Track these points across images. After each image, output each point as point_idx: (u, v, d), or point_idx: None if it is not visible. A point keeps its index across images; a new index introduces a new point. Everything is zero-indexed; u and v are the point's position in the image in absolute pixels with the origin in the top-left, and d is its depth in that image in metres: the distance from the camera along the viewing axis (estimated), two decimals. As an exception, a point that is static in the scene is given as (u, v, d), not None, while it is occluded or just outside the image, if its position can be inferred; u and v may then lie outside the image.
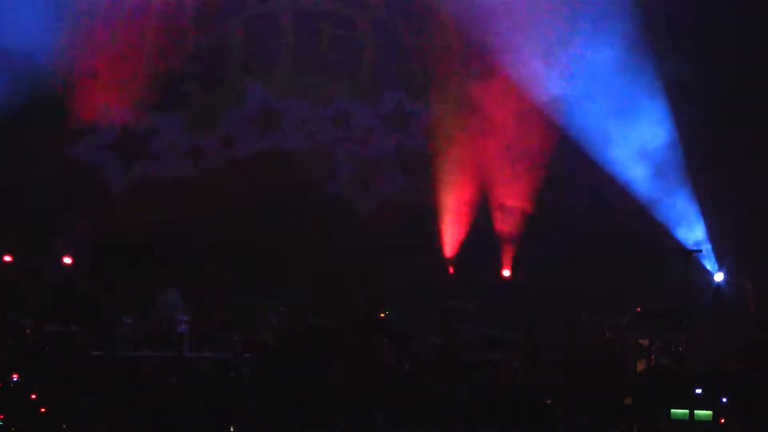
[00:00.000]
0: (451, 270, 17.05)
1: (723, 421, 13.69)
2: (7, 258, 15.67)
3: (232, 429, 13.27)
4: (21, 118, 17.11)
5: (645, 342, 14.85)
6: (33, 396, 13.31)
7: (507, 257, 17.74)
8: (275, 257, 17.51)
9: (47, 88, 17.34)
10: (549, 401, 13.81)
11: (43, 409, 13.28)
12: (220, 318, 15.12)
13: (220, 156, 18.10)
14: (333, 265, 17.33)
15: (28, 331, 13.97)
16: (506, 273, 17.70)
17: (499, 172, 17.87)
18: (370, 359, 13.88)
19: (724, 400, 13.75)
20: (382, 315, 15.18)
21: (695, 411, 13.68)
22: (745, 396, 13.80)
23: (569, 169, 17.66)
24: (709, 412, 13.69)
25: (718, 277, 17.12)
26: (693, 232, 17.35)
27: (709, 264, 17.15)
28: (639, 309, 15.39)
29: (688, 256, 15.85)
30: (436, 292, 15.55)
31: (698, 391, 13.80)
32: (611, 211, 17.50)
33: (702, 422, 13.67)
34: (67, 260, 17.20)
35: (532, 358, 14.30)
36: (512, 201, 17.75)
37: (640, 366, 14.75)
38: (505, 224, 17.75)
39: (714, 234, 17.30)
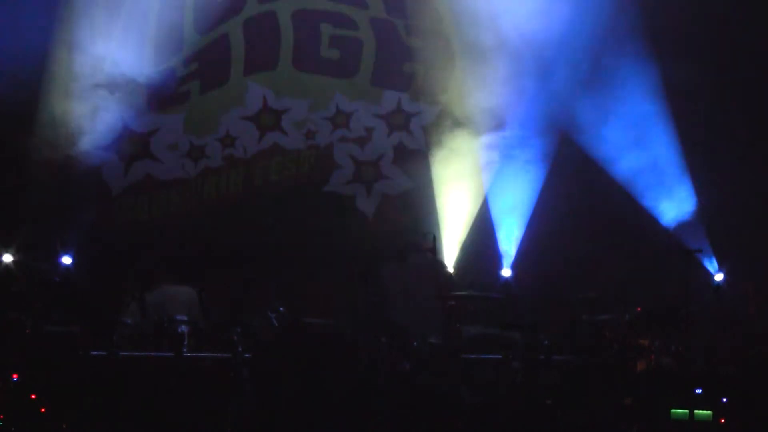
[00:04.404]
0: (451, 270, 17.03)
1: (723, 421, 13.68)
2: (7, 258, 15.64)
3: (230, 429, 13.27)
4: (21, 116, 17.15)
5: (645, 342, 14.83)
6: (33, 396, 13.30)
7: (507, 257, 17.75)
8: (275, 257, 17.51)
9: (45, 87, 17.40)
10: (549, 401, 13.80)
11: (43, 409, 13.27)
12: (220, 318, 15.09)
13: (220, 156, 18.10)
14: (333, 264, 17.32)
15: (28, 331, 13.93)
16: (506, 273, 17.69)
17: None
18: (369, 359, 13.86)
19: (724, 400, 13.74)
20: (383, 314, 15.16)
21: (695, 411, 13.68)
22: (745, 396, 13.79)
23: (570, 168, 17.67)
24: (709, 412, 13.68)
25: (718, 277, 17.11)
26: (693, 232, 17.34)
27: (709, 264, 17.14)
28: (639, 309, 15.37)
29: (688, 256, 15.84)
30: (436, 292, 15.52)
31: (698, 391, 13.79)
32: (611, 211, 17.51)
33: (702, 422, 13.66)
34: (67, 260, 17.19)
35: (532, 358, 14.27)
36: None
37: (640, 366, 14.72)
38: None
39: (714, 234, 17.30)
